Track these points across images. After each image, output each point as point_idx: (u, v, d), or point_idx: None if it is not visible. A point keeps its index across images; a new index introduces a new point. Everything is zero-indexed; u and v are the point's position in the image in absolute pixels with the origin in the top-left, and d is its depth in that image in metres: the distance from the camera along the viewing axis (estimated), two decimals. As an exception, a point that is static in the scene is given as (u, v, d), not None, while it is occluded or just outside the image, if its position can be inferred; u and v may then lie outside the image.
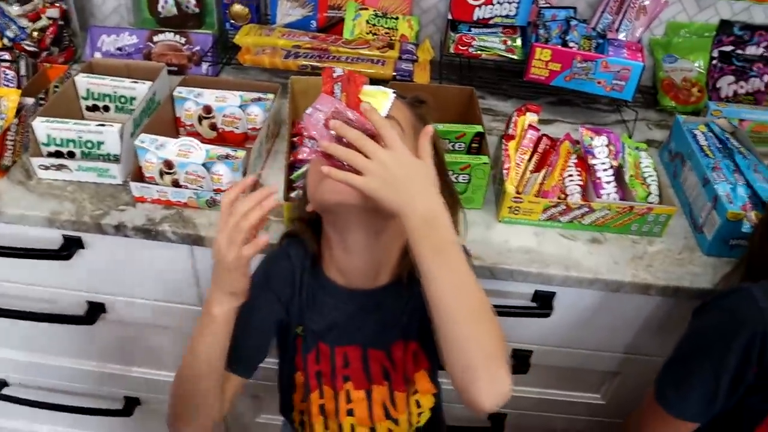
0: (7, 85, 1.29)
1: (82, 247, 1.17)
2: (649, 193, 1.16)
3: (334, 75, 0.75)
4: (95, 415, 1.56)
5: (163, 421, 1.41)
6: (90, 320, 1.28)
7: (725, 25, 1.55)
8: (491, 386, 0.68)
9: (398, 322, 0.91)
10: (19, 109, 1.20)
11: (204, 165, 1.08)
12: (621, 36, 1.45)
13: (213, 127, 1.25)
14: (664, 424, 0.97)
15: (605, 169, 1.16)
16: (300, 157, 0.76)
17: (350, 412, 0.94)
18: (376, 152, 0.70)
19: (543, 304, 1.13)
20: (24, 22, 1.42)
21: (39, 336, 1.39)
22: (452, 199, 0.91)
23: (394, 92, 0.80)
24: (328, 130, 0.73)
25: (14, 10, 1.41)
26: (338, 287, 0.90)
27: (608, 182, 1.15)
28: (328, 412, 0.95)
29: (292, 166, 1.12)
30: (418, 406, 0.97)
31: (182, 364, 0.85)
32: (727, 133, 1.29)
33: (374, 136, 0.73)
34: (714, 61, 1.54)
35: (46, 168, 1.15)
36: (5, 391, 1.57)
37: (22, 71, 1.33)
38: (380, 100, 0.78)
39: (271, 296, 0.91)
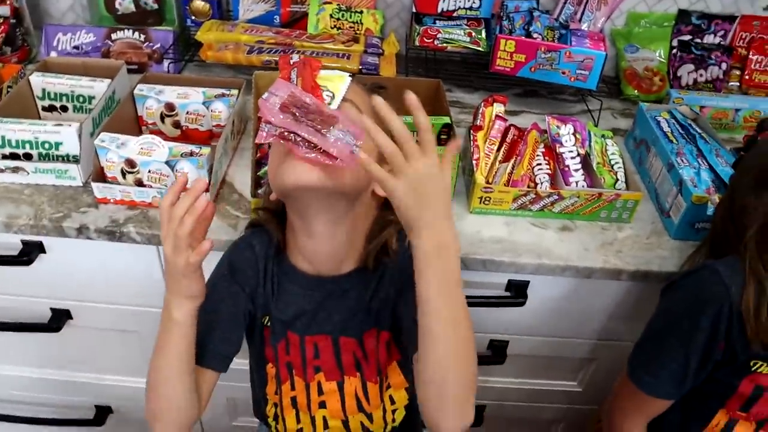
0: (-42, 87, 1.24)
1: (44, 252, 1.13)
2: (617, 180, 1.18)
3: (291, 61, 0.75)
4: (66, 426, 1.51)
5: (136, 428, 1.38)
6: (55, 327, 1.24)
7: (683, 15, 1.58)
8: (459, 418, 0.72)
9: (368, 309, 0.89)
10: (-29, 111, 1.16)
11: (167, 163, 1.05)
12: (583, 26, 1.47)
13: (176, 124, 1.22)
14: (637, 402, 0.99)
15: (573, 157, 1.17)
16: (256, 141, 0.74)
17: (322, 405, 0.94)
18: (417, 157, 0.65)
19: (517, 293, 1.14)
20: (-27, 22, 1.38)
21: (3, 346, 1.34)
22: None
23: (350, 75, 0.80)
24: (283, 113, 0.71)
25: (-38, 9, 1.36)
26: (304, 274, 0.89)
27: (576, 170, 1.16)
28: (300, 405, 0.94)
29: (259, 162, 1.10)
30: (392, 402, 0.97)
31: (151, 368, 0.83)
32: (689, 119, 1.31)
33: (330, 117, 0.71)
34: (674, 50, 1.57)
35: (2, 171, 1.11)
36: (-33, 404, 1.51)
37: (-26, 72, 1.28)
38: (336, 83, 0.78)
39: (235, 288, 0.89)
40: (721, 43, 1.59)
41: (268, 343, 0.93)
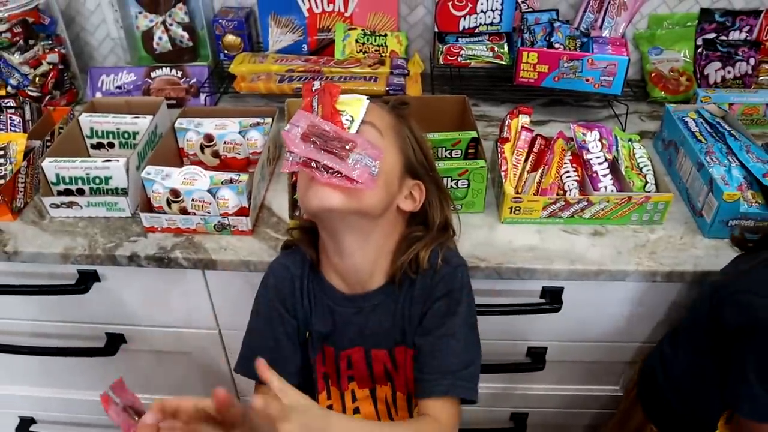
0: (14, 131, 1.33)
1: (98, 280, 1.20)
2: (646, 182, 1.19)
3: (313, 89, 0.80)
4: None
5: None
6: (111, 351, 1.31)
7: (706, 14, 1.58)
8: None
9: (396, 324, 0.93)
10: (27, 152, 1.24)
11: (209, 191, 1.11)
12: (605, 33, 1.48)
13: (215, 154, 1.28)
14: None
15: (600, 163, 1.18)
16: (282, 170, 0.80)
17: (356, 411, 0.97)
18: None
19: (552, 299, 1.15)
20: (26, 69, 1.47)
21: (63, 371, 1.42)
22: (440, 192, 0.94)
23: (368, 98, 0.84)
24: (305, 143, 0.77)
25: (16, 58, 1.45)
26: (337, 291, 0.93)
27: (604, 175, 1.17)
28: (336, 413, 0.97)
29: (294, 186, 1.15)
30: None
31: None
32: (718, 117, 1.31)
33: (349, 142, 0.77)
34: (699, 49, 1.57)
35: (57, 206, 1.18)
36: (33, 428, 1.59)
37: (27, 116, 1.37)
38: (355, 107, 0.82)
39: (280, 308, 0.94)
40: (747, 38, 1.58)
41: (309, 355, 0.97)
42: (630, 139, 1.27)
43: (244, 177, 1.12)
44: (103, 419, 1.54)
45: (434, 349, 0.86)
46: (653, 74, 1.58)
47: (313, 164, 0.77)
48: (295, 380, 0.96)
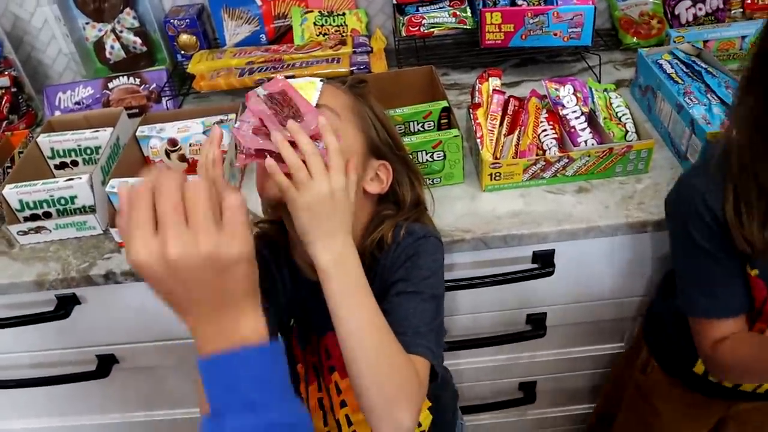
0: (-27, 161, 1.29)
1: (78, 303, 1.16)
2: (627, 132, 1.15)
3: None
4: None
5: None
6: (104, 373, 1.27)
7: (670, -48, 1.53)
8: (390, 426, 0.70)
9: None
10: (-12, 182, 1.20)
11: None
12: (568, -17, 1.44)
13: (182, 158, 1.24)
14: (715, 332, 0.92)
15: (577, 117, 1.15)
16: (237, 164, 0.77)
17: (343, 404, 0.93)
18: (319, 176, 0.70)
19: (544, 263, 1.12)
20: (-23, 97, 1.42)
21: (59, 399, 1.39)
22: (408, 169, 0.89)
23: (321, 80, 0.80)
24: (256, 135, 0.74)
25: (-35, 86, 1.41)
26: (307, 278, 0.88)
27: (583, 129, 1.13)
28: (327, 407, 0.95)
29: (266, 179, 1.11)
30: None
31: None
32: (693, 56, 1.27)
33: (304, 115, 0.74)
34: (667, -11, 1.53)
35: (25, 233, 1.14)
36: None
37: (-15, 144, 1.33)
38: (308, 90, 0.78)
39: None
40: (715, -28, 1.54)
41: (295, 344, 0.94)
42: (605, 90, 1.24)
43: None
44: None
45: (392, 308, 0.79)
46: (623, 20, 1.53)
47: (266, 155, 0.73)
48: None
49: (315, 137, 0.72)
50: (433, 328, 0.80)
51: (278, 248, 0.91)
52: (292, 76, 1.34)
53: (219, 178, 0.77)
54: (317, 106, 0.77)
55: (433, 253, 0.85)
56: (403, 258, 0.83)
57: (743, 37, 1.40)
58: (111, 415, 1.45)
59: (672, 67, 1.24)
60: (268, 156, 0.72)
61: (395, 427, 0.69)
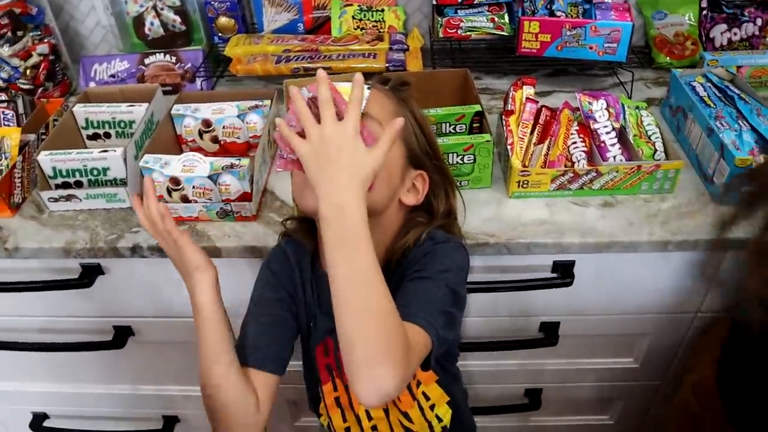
0: (7, 125, 1.30)
1: (102, 273, 1.18)
2: (655, 150, 1.16)
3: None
4: (136, 438, 1.58)
5: (203, 437, 1.40)
6: (119, 344, 1.29)
7: (711, -25, 1.54)
8: (370, 384, 0.67)
9: None
10: (22, 147, 1.22)
11: (210, 177, 1.08)
12: (607, -1, 1.44)
13: (214, 140, 1.25)
14: None
15: (608, 132, 1.16)
16: (276, 169, 0.77)
17: None
18: (328, 123, 0.70)
19: (563, 273, 1.13)
20: (16, 62, 1.44)
21: (72, 366, 1.41)
22: (445, 180, 0.90)
23: (369, 86, 0.79)
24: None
25: (5, 51, 1.42)
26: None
27: (612, 144, 1.15)
28: (344, 404, 0.96)
29: (297, 167, 1.13)
30: (427, 398, 0.96)
31: (199, 366, 0.85)
32: (726, 81, 1.28)
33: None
34: (704, 12, 1.53)
35: (56, 200, 1.16)
36: (47, 423, 1.59)
37: (21, 110, 1.34)
38: None
39: (282, 293, 0.92)
40: (754, -1, 1.55)
41: (313, 345, 0.95)
42: (637, 107, 1.25)
43: (245, 161, 1.09)
44: (114, 411, 1.54)
45: (403, 291, 0.80)
46: (658, 39, 1.54)
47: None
48: (284, 369, 0.91)
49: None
50: (441, 310, 0.78)
51: (303, 250, 0.92)
52: (329, 68, 1.36)
53: (174, 231, 0.84)
54: (362, 115, 0.76)
55: (453, 254, 0.85)
56: (419, 256, 0.83)
57: (777, 66, 1.40)
58: (121, 385, 1.47)
59: (705, 90, 1.24)
60: (280, 119, 0.74)
61: (375, 388, 0.66)
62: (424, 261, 0.82)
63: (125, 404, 1.51)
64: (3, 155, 1.20)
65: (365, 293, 0.69)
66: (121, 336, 1.30)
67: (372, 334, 0.68)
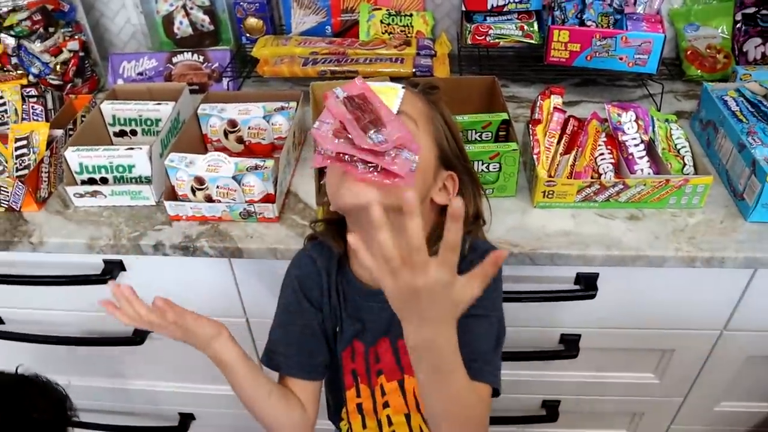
0: (37, 120, 1.32)
1: (124, 270, 1.19)
2: (684, 165, 1.14)
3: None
4: (151, 434, 1.59)
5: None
6: (139, 341, 1.30)
7: (746, -13, 1.51)
8: None
9: None
10: (50, 142, 1.23)
11: (234, 178, 1.08)
12: (639, 9, 1.42)
13: (240, 140, 1.26)
14: None
15: (636, 145, 1.14)
16: (314, 165, 0.77)
17: (386, 405, 0.95)
18: (420, 271, 0.61)
19: (587, 286, 1.12)
20: (47, 58, 1.46)
21: (92, 361, 1.42)
22: (473, 182, 0.90)
23: (402, 86, 0.80)
24: (337, 138, 0.74)
25: (36, 46, 1.44)
26: (364, 286, 0.90)
27: (641, 157, 1.13)
28: (366, 411, 0.96)
29: (321, 170, 1.12)
30: None
31: (244, 405, 0.90)
32: (759, 96, 1.26)
33: (386, 124, 0.73)
34: (738, 25, 1.51)
35: (81, 195, 1.17)
36: (65, 416, 1.60)
37: (50, 105, 1.36)
38: (389, 96, 0.78)
39: (305, 303, 0.92)
40: (789, 13, 1.52)
41: (337, 349, 0.95)
42: (666, 120, 1.23)
43: (270, 163, 1.09)
44: (131, 407, 1.55)
45: (463, 330, 0.78)
46: (689, 52, 1.52)
47: (347, 158, 0.73)
48: (322, 375, 0.95)
49: (399, 146, 0.72)
50: (498, 351, 0.84)
51: (330, 254, 0.92)
52: (356, 72, 1.35)
53: (179, 319, 0.85)
54: (397, 112, 0.77)
55: (497, 279, 0.87)
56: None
57: (811, 82, 1.37)
58: (138, 381, 1.48)
59: (737, 105, 1.22)
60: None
61: None
62: None
63: (142, 400, 1.52)
64: (32, 150, 1.22)
65: (458, 408, 0.73)
66: (141, 333, 1.30)
67: (464, 426, 0.74)
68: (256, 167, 1.09)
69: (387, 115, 0.75)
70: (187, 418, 1.56)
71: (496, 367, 0.84)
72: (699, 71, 1.50)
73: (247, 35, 1.55)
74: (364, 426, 0.97)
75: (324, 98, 0.78)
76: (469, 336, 0.80)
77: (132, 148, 1.15)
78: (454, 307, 0.65)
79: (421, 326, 0.66)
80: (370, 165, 0.73)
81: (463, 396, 0.72)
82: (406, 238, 0.58)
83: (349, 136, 0.73)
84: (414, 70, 1.37)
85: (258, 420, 0.91)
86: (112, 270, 1.17)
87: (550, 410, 1.41)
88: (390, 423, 0.96)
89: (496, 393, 0.82)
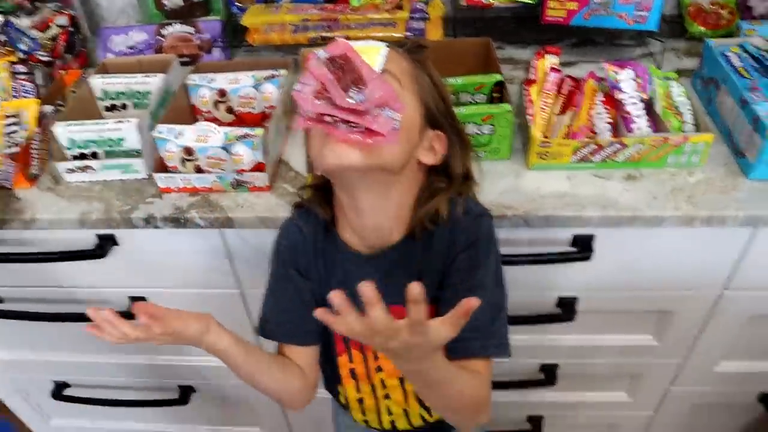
0: (26, 97, 1.30)
1: (116, 244, 1.18)
2: (684, 122, 1.11)
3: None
4: (152, 407, 1.60)
5: (218, 406, 1.43)
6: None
7: (750, -61, 1.46)
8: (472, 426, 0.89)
9: (413, 278, 0.89)
10: (40, 118, 1.22)
11: (223, 147, 1.07)
12: (638, -36, 1.38)
13: (229, 110, 1.24)
14: None
15: (634, 103, 1.11)
16: (295, 127, 0.75)
17: (379, 369, 0.95)
18: (404, 332, 0.65)
19: (583, 247, 1.10)
20: (35, 33, 1.43)
21: (91, 336, 1.41)
22: (461, 142, 0.88)
23: (387, 45, 0.78)
24: (318, 99, 0.72)
25: (24, 22, 1.42)
26: (353, 251, 0.89)
27: (639, 116, 1.10)
28: (359, 375, 0.96)
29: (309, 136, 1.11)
30: None
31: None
32: (763, 51, 1.22)
33: (368, 82, 0.71)
34: (742, -21, 1.46)
35: (72, 171, 1.16)
36: (67, 392, 1.62)
37: (40, 81, 1.35)
38: (372, 55, 0.76)
39: (291, 271, 0.92)
40: (795, -36, 1.46)
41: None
42: (667, 78, 1.19)
43: (259, 132, 1.08)
44: (131, 381, 1.56)
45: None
46: (691, 8, 1.47)
47: (328, 119, 0.72)
48: (317, 340, 0.95)
49: (381, 105, 0.70)
50: (501, 318, 0.85)
51: (317, 220, 0.91)
52: (347, 38, 1.32)
53: (168, 328, 0.83)
54: (381, 71, 0.75)
55: (492, 235, 0.87)
56: (463, 241, 0.84)
57: (818, 35, 1.33)
58: (138, 356, 1.48)
59: (740, 61, 1.18)
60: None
61: (476, 426, 0.84)
62: (471, 256, 0.84)
63: (142, 374, 1.53)
64: (21, 127, 1.21)
65: (457, 401, 0.78)
66: (139, 308, 1.30)
67: (468, 410, 0.80)
68: (245, 136, 1.07)
69: (368, 73, 0.73)
70: (187, 391, 1.57)
71: (500, 336, 0.85)
72: (702, 28, 1.45)
73: (238, 4, 1.52)
74: (358, 390, 0.97)
75: (305, 60, 0.76)
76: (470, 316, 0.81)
77: (121, 121, 1.14)
78: (433, 350, 0.68)
79: (403, 365, 0.70)
80: (352, 125, 0.71)
81: (461, 391, 0.76)
82: (370, 325, 0.64)
83: (330, 96, 0.71)
84: (407, 33, 1.34)
85: (261, 392, 0.92)
86: (105, 244, 1.17)
87: (549, 374, 1.40)
88: (384, 386, 0.96)
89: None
